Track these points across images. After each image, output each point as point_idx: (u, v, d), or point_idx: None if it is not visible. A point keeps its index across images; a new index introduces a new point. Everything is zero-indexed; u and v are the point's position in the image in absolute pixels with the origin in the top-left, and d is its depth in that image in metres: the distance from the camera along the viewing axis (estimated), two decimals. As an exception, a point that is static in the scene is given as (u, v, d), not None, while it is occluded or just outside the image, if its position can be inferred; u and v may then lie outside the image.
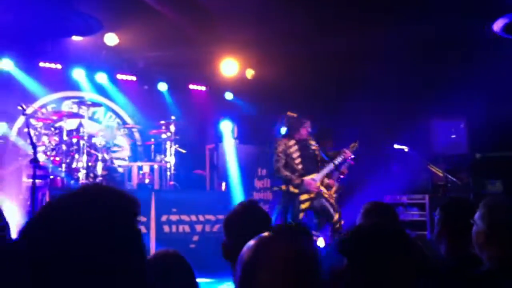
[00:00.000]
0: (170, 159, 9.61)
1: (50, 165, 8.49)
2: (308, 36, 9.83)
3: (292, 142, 7.13)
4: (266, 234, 1.73)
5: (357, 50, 9.86)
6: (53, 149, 8.66)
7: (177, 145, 9.89)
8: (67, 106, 10.38)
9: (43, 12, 8.84)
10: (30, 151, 6.95)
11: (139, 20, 9.18)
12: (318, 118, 9.66)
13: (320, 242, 7.59)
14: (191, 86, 11.82)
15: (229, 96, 11.81)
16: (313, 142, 7.25)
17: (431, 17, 8.60)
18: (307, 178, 7.05)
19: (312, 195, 7.04)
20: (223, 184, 9.63)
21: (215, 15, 9.51)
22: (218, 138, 10.80)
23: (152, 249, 7.61)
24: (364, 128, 9.54)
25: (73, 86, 10.48)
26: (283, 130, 7.62)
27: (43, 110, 9.62)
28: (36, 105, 9.81)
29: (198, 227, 8.28)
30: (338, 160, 7.24)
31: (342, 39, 9.71)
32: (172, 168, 9.64)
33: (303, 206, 7.01)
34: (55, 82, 10.32)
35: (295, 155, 7.11)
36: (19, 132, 9.52)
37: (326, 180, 7.28)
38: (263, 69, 11.16)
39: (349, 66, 10.06)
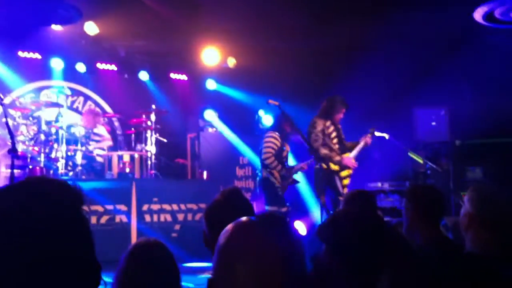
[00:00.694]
0: (151, 148, 9.55)
1: (29, 155, 8.40)
2: (291, 26, 9.81)
3: (329, 122, 7.22)
4: (243, 219, 1.71)
5: (339, 40, 9.87)
6: (31, 139, 8.57)
7: (157, 134, 9.83)
8: (46, 96, 10.25)
9: (23, 0, 8.72)
10: (8, 141, 6.87)
11: (120, 9, 9.07)
12: (300, 106, 9.70)
13: (302, 229, 7.62)
14: (172, 75, 11.75)
15: (211, 85, 11.74)
16: (339, 126, 7.40)
17: (413, 7, 8.62)
18: (344, 156, 7.20)
19: (350, 171, 7.23)
20: (205, 173, 9.60)
21: (197, 4, 9.44)
22: (199, 127, 10.76)
23: (134, 238, 7.59)
24: (345, 116, 9.57)
25: (52, 75, 10.35)
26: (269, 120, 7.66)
27: (21, 100, 9.50)
28: (14, 94, 9.70)
29: (180, 216, 8.26)
30: (364, 141, 7.40)
31: (326, 30, 9.72)
32: (153, 157, 9.58)
33: (345, 181, 7.18)
34: (34, 72, 10.20)
35: (333, 135, 7.24)
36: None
37: None
38: (244, 59, 11.12)
39: (331, 56, 10.08)
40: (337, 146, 7.24)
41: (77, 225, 1.24)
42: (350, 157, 7.23)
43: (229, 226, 1.69)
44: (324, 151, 7.07)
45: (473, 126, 9.08)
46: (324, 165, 7.02)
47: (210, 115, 11.00)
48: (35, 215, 1.19)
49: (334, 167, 7.11)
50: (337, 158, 7.12)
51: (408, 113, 9.81)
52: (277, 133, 7.19)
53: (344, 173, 7.18)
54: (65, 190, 1.27)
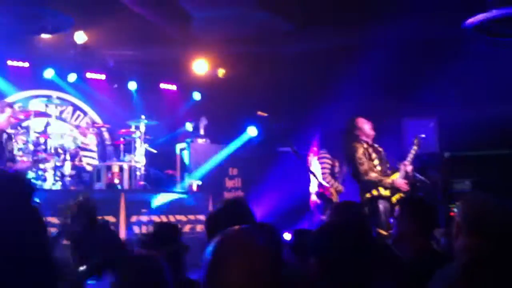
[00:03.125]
0: (140, 159, 9.51)
1: (17, 165, 8.33)
2: (280, 36, 9.84)
3: (365, 144, 6.82)
4: (230, 229, 1.72)
5: (328, 49, 9.89)
6: (20, 149, 8.51)
7: (147, 145, 9.79)
8: (35, 105, 10.19)
9: (12, 9, 8.68)
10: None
11: (109, 18, 9.07)
12: (288, 118, 9.70)
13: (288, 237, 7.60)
14: (162, 85, 11.72)
15: (197, 96, 11.73)
16: (376, 145, 7.00)
17: (403, 16, 8.65)
18: (393, 178, 6.71)
19: (402, 194, 6.61)
20: (194, 184, 9.55)
21: (187, 14, 9.45)
22: (189, 138, 10.73)
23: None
24: (334, 127, 9.57)
25: (41, 84, 10.31)
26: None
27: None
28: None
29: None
30: (410, 157, 6.92)
31: (314, 39, 9.74)
32: (142, 168, 9.53)
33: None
34: (22, 80, 10.15)
35: (373, 156, 6.82)
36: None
37: None
38: (233, 69, 11.13)
39: (320, 66, 10.09)
40: (379, 168, 6.78)
41: (28, 212, 1.25)
42: (399, 178, 6.72)
43: (217, 237, 1.70)
44: (374, 175, 6.67)
45: (463, 137, 9.10)
46: (374, 192, 6.64)
47: (199, 125, 10.98)
48: None
49: (385, 192, 6.65)
50: (388, 180, 6.65)
51: (397, 123, 9.83)
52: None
53: (395, 197, 6.65)
54: (17, 181, 1.29)
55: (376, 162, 6.78)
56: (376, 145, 6.97)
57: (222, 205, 3.14)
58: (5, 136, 7.29)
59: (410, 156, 6.87)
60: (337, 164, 7.51)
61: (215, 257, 1.63)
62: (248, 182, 10.09)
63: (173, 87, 11.83)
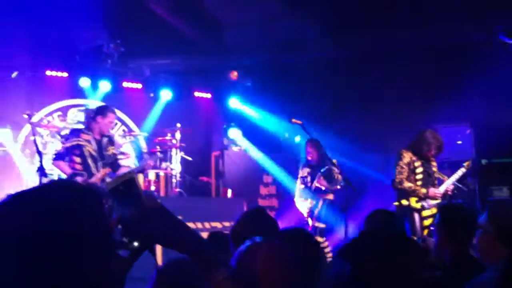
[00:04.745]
0: (176, 166, 9.62)
1: (58, 173, 8.51)
2: (311, 42, 9.86)
3: (416, 157, 6.73)
4: (256, 241, 1.75)
5: (360, 56, 9.88)
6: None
7: (182, 152, 9.89)
8: (73, 114, 10.40)
9: (52, 21, 8.90)
10: (37, 159, 6.97)
11: (144, 28, 9.21)
12: (321, 124, 9.70)
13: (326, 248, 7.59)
14: (196, 94, 11.83)
15: (234, 103, 11.79)
16: (434, 164, 6.92)
17: (434, 21, 8.59)
18: (432, 188, 6.69)
19: (434, 211, 6.36)
20: (229, 191, 9.62)
21: (219, 23, 9.55)
22: (224, 145, 10.80)
23: (159, 257, 7.58)
24: (370, 135, 9.54)
25: (79, 94, 10.50)
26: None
27: (49, 118, 9.65)
28: (42, 113, 9.86)
29: (204, 235, 8.25)
30: (456, 178, 6.91)
31: (346, 45, 9.74)
32: (178, 175, 9.64)
33: (426, 222, 6.58)
34: (61, 90, 10.34)
35: (418, 170, 6.73)
36: (26, 141, 9.54)
37: None
38: (266, 75, 11.18)
39: (352, 72, 10.07)
40: (420, 183, 6.68)
41: (96, 222, 1.25)
42: (435, 189, 6.69)
43: (242, 247, 1.73)
44: (408, 184, 6.63)
45: (499, 144, 8.98)
46: (404, 201, 6.67)
47: (234, 133, 11.05)
48: (54, 214, 1.20)
49: (416, 205, 6.63)
50: (422, 190, 6.61)
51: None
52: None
53: (426, 212, 6.61)
54: (86, 192, 1.28)
55: (419, 176, 6.72)
56: (433, 164, 6.87)
57: (245, 215, 3.18)
58: (105, 140, 7.23)
59: (455, 177, 6.86)
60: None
61: (240, 268, 1.66)
62: (283, 190, 10.10)
63: (208, 95, 11.93)
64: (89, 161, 6.93)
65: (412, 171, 6.71)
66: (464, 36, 8.95)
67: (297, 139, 8.49)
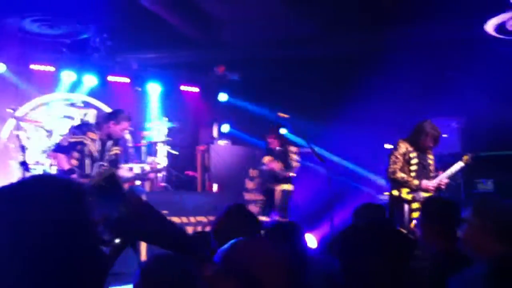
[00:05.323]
0: (162, 161, 9.58)
1: (41, 167, 8.46)
2: (305, 39, 9.85)
3: (413, 148, 6.68)
4: (240, 240, 1.74)
5: (353, 51, 9.89)
6: (44, 151, 8.63)
7: (169, 147, 9.86)
8: (58, 108, 10.32)
9: (35, 15, 8.83)
10: (20, 153, 6.92)
11: (132, 21, 9.16)
12: (312, 119, 9.71)
13: (312, 242, 7.59)
14: (183, 88, 11.79)
15: (222, 97, 11.76)
16: (431, 156, 6.86)
17: (427, 16, 8.61)
18: (424, 180, 6.63)
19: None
20: (215, 186, 9.61)
21: (208, 16, 9.51)
22: (210, 140, 10.78)
23: (143, 251, 7.56)
24: (362, 129, 9.57)
25: (65, 88, 10.42)
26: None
27: (34, 112, 9.58)
28: (26, 107, 9.78)
29: (189, 229, 8.25)
30: (452, 171, 6.79)
31: (340, 41, 9.75)
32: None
33: (414, 215, 6.45)
34: (46, 84, 10.27)
35: (413, 161, 6.69)
36: (10, 135, 9.46)
37: None
38: (255, 70, 11.16)
39: (344, 68, 10.09)
40: (413, 174, 6.65)
41: (78, 216, 1.24)
42: (428, 181, 6.63)
43: (229, 244, 1.72)
44: (401, 175, 6.59)
45: (485, 137, 9.04)
46: (394, 192, 6.65)
47: (218, 127, 11.06)
48: (36, 208, 1.19)
49: (406, 196, 6.59)
50: (415, 182, 6.57)
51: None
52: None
53: (415, 205, 6.52)
54: (66, 187, 1.27)
55: (413, 167, 6.68)
56: (430, 156, 6.83)
57: (226, 212, 3.18)
58: (110, 141, 7.08)
59: (452, 171, 6.78)
60: None
61: (226, 264, 1.65)
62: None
63: (195, 89, 11.89)
64: (87, 160, 6.84)
65: (407, 162, 6.67)
66: (454, 32, 8.98)
67: (283, 131, 8.48)
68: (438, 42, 9.30)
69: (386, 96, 9.37)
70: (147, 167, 9.18)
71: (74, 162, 6.80)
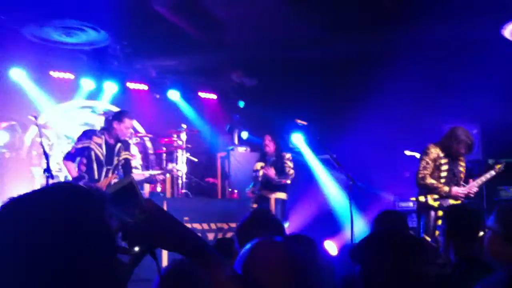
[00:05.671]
0: (182, 167, 9.63)
1: (63, 174, 8.53)
2: (317, 41, 9.83)
3: (444, 153, 6.53)
4: (260, 240, 1.76)
5: (367, 54, 9.84)
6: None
7: (188, 154, 9.91)
8: (79, 115, 10.43)
9: (52, 23, 8.93)
10: (44, 160, 6.99)
11: (151, 29, 9.22)
12: (329, 124, 9.69)
13: (333, 250, 7.56)
14: (202, 94, 11.84)
15: (240, 103, 11.80)
16: (462, 163, 6.72)
17: (443, 19, 8.55)
18: (454, 187, 6.49)
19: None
20: (235, 192, 9.62)
21: (220, 22, 9.54)
22: (230, 146, 10.81)
23: (164, 258, 7.58)
24: (374, 134, 9.52)
25: (85, 95, 10.52)
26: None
27: (55, 120, 9.68)
28: (48, 114, 9.89)
29: (211, 236, 8.27)
30: (483, 180, 6.67)
31: (352, 43, 9.71)
32: (184, 176, 9.66)
33: (439, 222, 6.12)
34: (66, 92, 10.38)
35: (443, 167, 6.55)
36: (32, 142, 9.57)
37: None
38: (271, 76, 11.18)
39: (358, 71, 10.05)
40: (443, 180, 6.50)
41: (99, 228, 1.24)
42: (458, 188, 6.50)
43: (247, 246, 1.74)
44: (430, 180, 6.46)
45: (507, 143, 8.95)
46: (421, 198, 6.51)
47: (239, 133, 11.10)
48: (56, 218, 1.20)
49: (433, 203, 6.44)
50: (445, 188, 6.43)
51: (439, 130, 9.72)
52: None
53: (441, 212, 6.31)
54: (88, 196, 1.28)
55: (443, 174, 6.54)
56: (461, 163, 6.69)
57: (250, 216, 3.19)
58: (119, 145, 7.16)
59: (483, 179, 6.65)
60: None
61: (245, 267, 1.67)
62: (288, 190, 10.08)
63: (213, 96, 11.94)
64: (94, 165, 6.93)
65: (438, 168, 6.53)
66: (472, 34, 8.90)
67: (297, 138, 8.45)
68: (455, 44, 9.21)
69: (401, 100, 9.30)
70: (167, 174, 9.21)
71: (83, 168, 6.92)
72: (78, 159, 6.98)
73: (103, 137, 7.05)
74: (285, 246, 1.79)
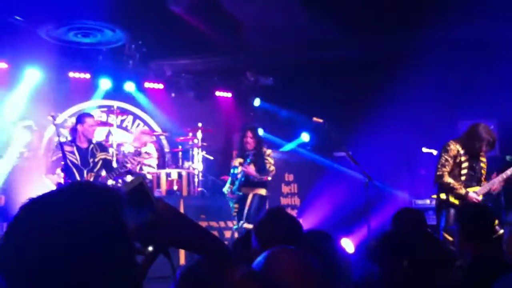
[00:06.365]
0: (198, 166, 9.67)
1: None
2: (335, 41, 9.83)
3: (464, 150, 6.38)
4: (277, 248, 1.76)
5: (384, 53, 9.82)
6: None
7: (204, 152, 9.94)
8: (96, 115, 10.48)
9: (68, 23, 9.01)
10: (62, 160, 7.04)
11: (166, 29, 9.26)
12: (344, 123, 9.66)
13: (350, 248, 7.54)
14: (217, 93, 11.87)
15: (256, 102, 11.79)
16: (483, 160, 6.56)
17: (461, 18, 8.49)
18: (471, 191, 6.32)
19: None
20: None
21: (238, 22, 9.56)
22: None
23: (182, 256, 7.62)
24: (391, 132, 9.47)
25: (102, 95, 10.59)
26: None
27: (73, 119, 9.74)
28: (65, 114, 9.97)
29: (227, 234, 8.30)
30: (504, 177, 6.45)
31: (370, 43, 9.69)
32: (200, 174, 9.69)
33: None
34: (84, 91, 10.45)
35: (464, 165, 6.39)
36: (49, 142, 9.65)
37: None
38: (286, 74, 11.18)
39: (373, 69, 10.02)
40: (463, 178, 6.37)
41: (116, 228, 1.24)
42: (477, 192, 6.34)
43: (264, 254, 1.74)
44: (449, 179, 6.30)
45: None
46: (442, 196, 6.38)
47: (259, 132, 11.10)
48: (73, 218, 1.20)
49: (454, 200, 6.30)
50: (461, 191, 6.26)
51: (455, 126, 9.66)
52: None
53: None
54: (106, 195, 1.28)
55: (464, 171, 6.38)
56: (482, 159, 6.55)
57: (267, 215, 3.18)
58: (92, 147, 7.29)
59: (503, 177, 6.45)
60: None
61: (265, 274, 1.68)
62: (305, 188, 10.10)
63: (229, 95, 11.96)
64: (74, 170, 7.07)
65: (458, 165, 6.38)
66: (488, 32, 8.84)
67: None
68: (471, 42, 9.15)
69: (417, 98, 9.26)
70: (184, 173, 9.27)
71: (64, 175, 7.01)
72: (58, 170, 7.11)
73: (73, 144, 7.19)
74: (299, 255, 1.80)
